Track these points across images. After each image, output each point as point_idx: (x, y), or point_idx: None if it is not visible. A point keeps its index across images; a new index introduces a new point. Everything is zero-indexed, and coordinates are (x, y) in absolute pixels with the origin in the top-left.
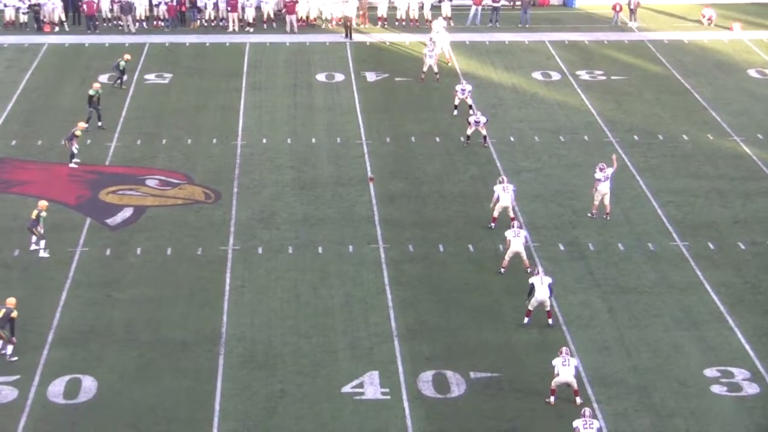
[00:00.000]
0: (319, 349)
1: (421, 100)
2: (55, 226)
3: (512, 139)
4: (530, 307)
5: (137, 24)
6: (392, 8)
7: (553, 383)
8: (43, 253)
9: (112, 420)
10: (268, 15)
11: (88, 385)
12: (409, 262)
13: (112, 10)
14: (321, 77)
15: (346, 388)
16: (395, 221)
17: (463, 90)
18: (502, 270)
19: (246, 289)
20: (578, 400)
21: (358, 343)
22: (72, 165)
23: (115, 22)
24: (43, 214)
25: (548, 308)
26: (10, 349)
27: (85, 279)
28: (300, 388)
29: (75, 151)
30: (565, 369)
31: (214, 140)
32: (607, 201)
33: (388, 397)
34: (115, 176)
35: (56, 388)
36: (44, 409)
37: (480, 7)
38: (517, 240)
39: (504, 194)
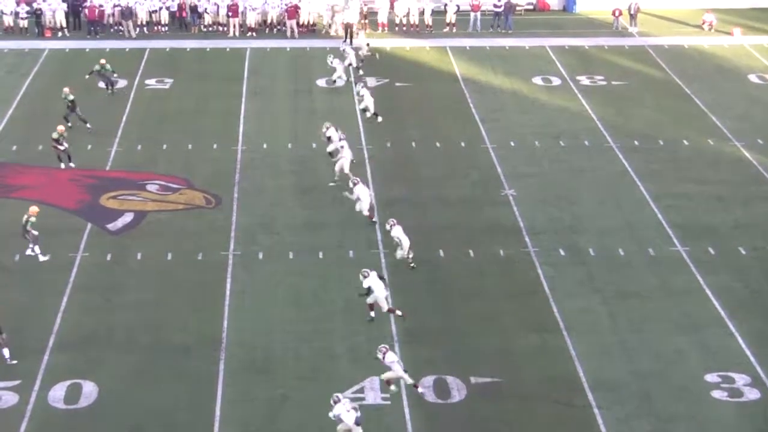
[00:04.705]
0: (320, 354)
1: (422, 104)
2: (55, 231)
3: (513, 144)
4: (370, 301)
5: (137, 29)
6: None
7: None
8: (42, 257)
9: (113, 425)
10: (271, 20)
11: (89, 390)
12: (409, 267)
13: (113, 15)
14: (321, 82)
15: (347, 393)
16: None
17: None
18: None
19: (247, 294)
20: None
21: (359, 348)
22: (71, 165)
23: (115, 27)
24: (32, 219)
25: (389, 305)
26: (6, 352)
27: (85, 284)
28: (301, 393)
29: (62, 150)
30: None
31: (215, 145)
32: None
33: (389, 402)
34: (115, 181)
35: (57, 393)
36: (45, 414)
37: (479, 13)
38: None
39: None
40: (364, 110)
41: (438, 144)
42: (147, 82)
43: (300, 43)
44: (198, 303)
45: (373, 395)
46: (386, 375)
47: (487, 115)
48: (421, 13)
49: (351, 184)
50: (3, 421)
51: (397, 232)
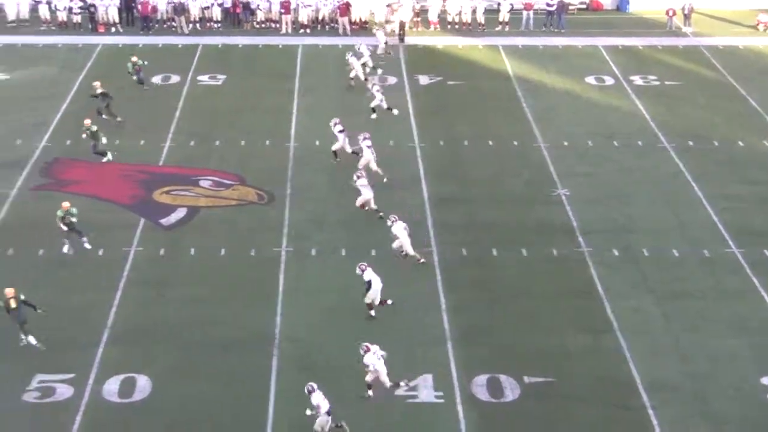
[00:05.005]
0: None
1: (474, 103)
2: (109, 226)
3: (566, 143)
4: (368, 301)
5: (190, 25)
6: (443, 12)
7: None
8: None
9: (166, 419)
10: (324, 17)
11: (143, 384)
12: (462, 265)
13: (166, 11)
14: (374, 80)
15: (400, 391)
16: (448, 224)
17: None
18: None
19: (299, 291)
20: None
21: (412, 346)
22: (108, 158)
23: (168, 23)
24: (59, 213)
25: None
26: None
27: (139, 278)
28: (353, 391)
29: (100, 146)
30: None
31: (267, 141)
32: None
33: (442, 400)
34: (168, 176)
35: (111, 387)
36: (99, 407)
37: (532, 12)
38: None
39: (365, 190)
40: (374, 109)
41: (490, 142)
42: (200, 78)
43: (352, 41)
44: (251, 299)
45: (426, 393)
46: (368, 377)
47: (540, 114)
48: (474, 12)
49: (355, 177)
50: (58, 414)
51: (398, 228)
